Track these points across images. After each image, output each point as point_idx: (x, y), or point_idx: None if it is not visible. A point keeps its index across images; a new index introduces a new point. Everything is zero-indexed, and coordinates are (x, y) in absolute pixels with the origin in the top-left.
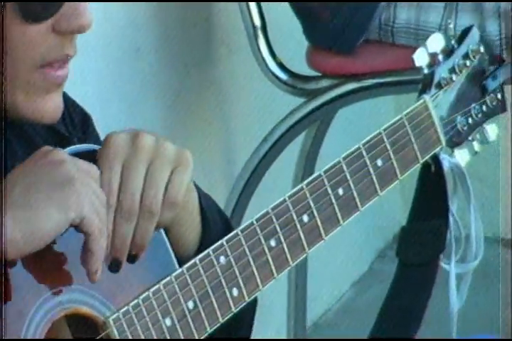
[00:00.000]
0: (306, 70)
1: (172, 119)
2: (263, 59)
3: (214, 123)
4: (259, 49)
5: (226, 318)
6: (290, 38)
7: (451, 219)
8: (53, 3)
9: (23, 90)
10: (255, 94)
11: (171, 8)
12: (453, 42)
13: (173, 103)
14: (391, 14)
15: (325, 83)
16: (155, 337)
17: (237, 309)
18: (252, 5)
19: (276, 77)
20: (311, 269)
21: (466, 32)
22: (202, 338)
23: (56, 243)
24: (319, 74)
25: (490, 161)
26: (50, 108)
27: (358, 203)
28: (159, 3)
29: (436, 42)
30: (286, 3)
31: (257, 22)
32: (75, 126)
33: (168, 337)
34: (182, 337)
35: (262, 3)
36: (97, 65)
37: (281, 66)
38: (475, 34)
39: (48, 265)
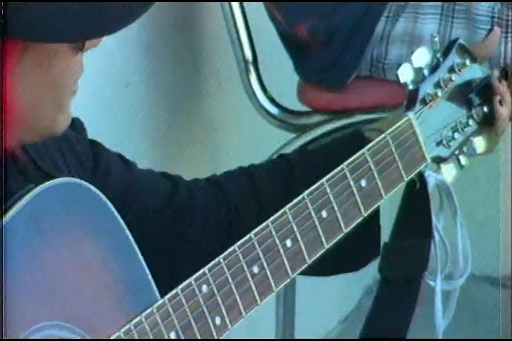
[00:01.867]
0: (297, 105)
1: (161, 154)
2: (254, 93)
3: (203, 158)
4: (250, 83)
5: None
6: (281, 72)
7: (436, 236)
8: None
9: (62, 110)
10: (245, 129)
11: (160, 42)
12: (438, 55)
13: (162, 137)
14: (383, 50)
15: (316, 118)
16: None
17: (220, 337)
18: (244, 38)
19: (267, 112)
20: (298, 305)
21: (451, 45)
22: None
23: (34, 279)
24: (310, 110)
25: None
26: (70, 116)
27: (342, 225)
28: (149, 37)
29: (421, 57)
30: (277, 38)
31: (249, 56)
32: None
33: None
34: None
35: (254, 37)
36: (85, 99)
37: (272, 101)
38: (460, 46)
39: (27, 301)
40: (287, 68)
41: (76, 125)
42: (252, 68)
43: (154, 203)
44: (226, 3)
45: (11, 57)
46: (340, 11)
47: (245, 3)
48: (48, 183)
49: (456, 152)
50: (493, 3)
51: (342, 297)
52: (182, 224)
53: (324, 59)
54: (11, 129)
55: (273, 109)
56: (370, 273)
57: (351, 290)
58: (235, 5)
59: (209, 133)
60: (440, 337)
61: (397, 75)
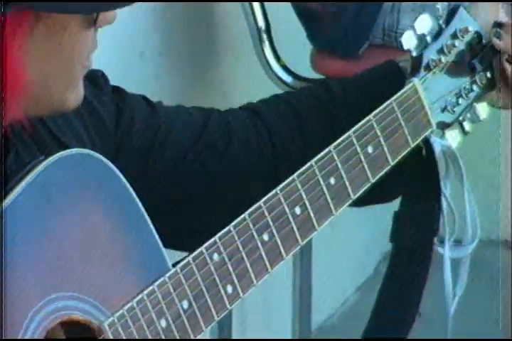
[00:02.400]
0: (311, 73)
1: None
2: (267, 62)
3: None
4: (263, 52)
5: (221, 316)
6: (294, 40)
7: (444, 202)
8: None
9: (74, 86)
10: (259, 97)
11: (174, 11)
12: (441, 22)
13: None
14: (394, 20)
15: None
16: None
17: (232, 306)
18: (257, 7)
19: (281, 80)
20: (315, 273)
21: (453, 11)
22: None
23: (46, 251)
24: (323, 77)
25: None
26: (82, 91)
27: (351, 192)
28: (163, 7)
29: (424, 24)
30: (290, 6)
31: (262, 24)
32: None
33: (164, 338)
34: (177, 337)
35: (266, 6)
36: (101, 68)
37: (286, 69)
38: (462, 13)
39: (40, 272)
40: (300, 36)
41: (97, 80)
42: (265, 37)
43: (186, 142)
44: None
45: (21, 29)
46: None
47: None
48: (57, 155)
49: (460, 118)
50: None
51: (359, 264)
52: (220, 158)
53: (336, 28)
54: (22, 101)
55: (286, 77)
56: (386, 240)
57: (368, 258)
58: None
59: (224, 101)
60: (453, 308)
61: (400, 42)
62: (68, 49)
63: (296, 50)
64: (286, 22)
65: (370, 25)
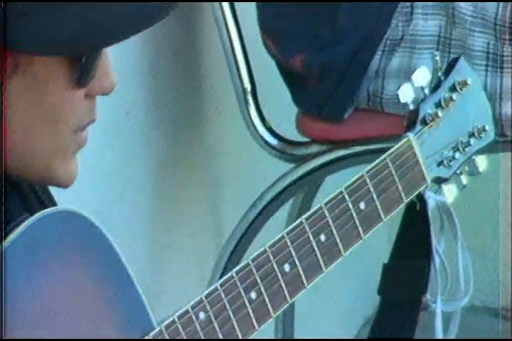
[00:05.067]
0: (296, 135)
1: (160, 181)
2: (252, 123)
3: (202, 187)
4: (248, 113)
5: None
6: (280, 102)
7: (437, 258)
8: (96, 65)
9: (61, 154)
10: (244, 158)
11: (160, 71)
12: (440, 74)
13: (162, 165)
14: (379, 85)
15: (314, 149)
16: None
17: None
18: (243, 68)
19: (266, 142)
20: (297, 336)
21: (453, 63)
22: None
23: (32, 306)
24: (308, 140)
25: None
26: (75, 170)
27: (341, 248)
28: (149, 69)
29: (422, 76)
30: (276, 68)
31: (247, 86)
32: None
33: None
34: None
35: (253, 67)
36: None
37: (271, 131)
38: (462, 64)
39: (25, 328)
40: (286, 98)
41: None
42: (250, 98)
43: None
44: (225, 33)
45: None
46: (334, 44)
47: (244, 33)
48: (42, 212)
49: (458, 172)
50: (486, 41)
51: (341, 327)
52: None
53: (320, 92)
54: (9, 157)
55: (271, 139)
56: (370, 304)
57: (350, 321)
58: (234, 35)
59: (208, 162)
60: None
61: (397, 95)
62: (51, 107)
63: (281, 112)
64: (273, 83)
65: (355, 89)
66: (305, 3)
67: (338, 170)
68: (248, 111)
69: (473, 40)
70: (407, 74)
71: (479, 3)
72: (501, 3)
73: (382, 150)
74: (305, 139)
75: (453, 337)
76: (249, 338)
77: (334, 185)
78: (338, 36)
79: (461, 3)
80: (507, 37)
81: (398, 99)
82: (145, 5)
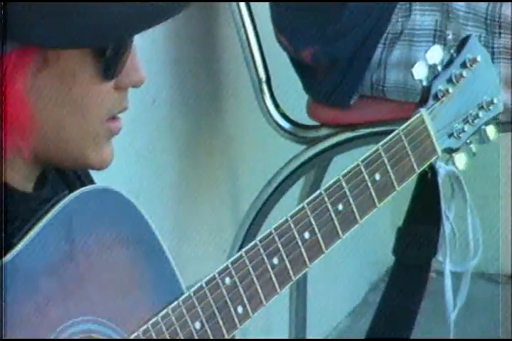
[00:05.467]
0: (307, 120)
1: (184, 165)
2: (267, 109)
3: (222, 167)
4: (264, 100)
5: (231, 335)
6: (292, 90)
7: (446, 223)
8: (123, 60)
9: (93, 141)
10: (260, 141)
11: (184, 63)
12: (452, 51)
13: (185, 150)
14: (381, 76)
15: (323, 132)
16: None
17: (242, 325)
18: (258, 60)
19: (279, 126)
20: (310, 300)
21: (464, 41)
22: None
23: (69, 277)
24: (318, 124)
25: None
26: (110, 155)
27: (358, 217)
28: (174, 60)
29: (435, 54)
30: (288, 60)
31: (262, 76)
32: None
33: None
34: None
35: (267, 59)
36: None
37: (284, 116)
38: (473, 42)
39: (64, 297)
40: (297, 87)
41: None
42: (265, 87)
43: None
44: (242, 29)
45: (25, 68)
46: (340, 39)
47: (259, 29)
48: (81, 189)
49: (468, 141)
50: (478, 34)
51: (349, 292)
52: None
53: (328, 81)
54: (31, 139)
55: (285, 124)
56: (375, 271)
57: (357, 287)
58: (250, 30)
59: (227, 144)
60: (452, 321)
61: (411, 72)
62: (80, 99)
63: (294, 98)
64: (286, 73)
65: (359, 78)
66: (313, 2)
67: (345, 151)
68: (263, 99)
69: (466, 34)
70: (406, 65)
71: (472, 1)
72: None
73: (385, 133)
74: (315, 123)
75: (463, 299)
76: (250, 338)
77: (341, 166)
78: (343, 31)
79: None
80: (496, 30)
81: (398, 88)
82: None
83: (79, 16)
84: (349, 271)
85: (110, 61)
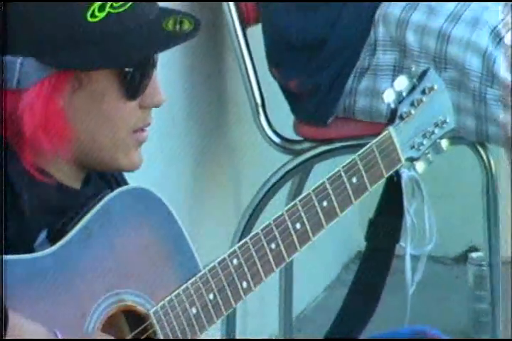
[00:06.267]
0: (293, 135)
1: (199, 172)
2: (262, 127)
3: (226, 173)
4: (259, 120)
5: (237, 304)
6: (282, 112)
7: (408, 216)
8: (144, 84)
9: (122, 149)
10: (256, 152)
11: (197, 89)
12: (415, 80)
13: (198, 159)
14: (352, 101)
15: (306, 145)
16: (184, 323)
17: (246, 297)
18: (255, 87)
19: (272, 140)
20: (295, 277)
21: (424, 73)
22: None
23: (110, 256)
24: (302, 139)
25: None
26: (139, 160)
27: (338, 211)
28: (191, 87)
29: (401, 83)
30: (278, 88)
31: (258, 101)
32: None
33: (195, 322)
34: (205, 322)
35: (262, 86)
36: None
37: (275, 132)
38: (431, 73)
39: (107, 272)
40: (286, 109)
41: None
42: (261, 110)
43: None
44: (243, 65)
45: (63, 89)
46: (320, 71)
47: (256, 63)
48: (120, 188)
49: (426, 151)
50: None
51: (325, 271)
52: None
53: (310, 105)
54: (71, 148)
55: (276, 139)
56: (346, 254)
57: (332, 267)
58: (249, 65)
59: (231, 155)
60: (410, 295)
61: (382, 97)
62: (110, 113)
63: (283, 119)
64: (277, 99)
65: (335, 103)
66: (298, 45)
67: (323, 160)
68: (259, 119)
69: (419, 68)
70: (372, 93)
71: (423, 43)
72: (439, 41)
73: (354, 146)
74: (299, 138)
75: (419, 277)
76: (251, 338)
77: (321, 172)
78: (323, 65)
79: (411, 42)
80: (443, 66)
81: (365, 111)
82: (171, 30)
83: (105, 43)
84: (326, 254)
85: (132, 84)
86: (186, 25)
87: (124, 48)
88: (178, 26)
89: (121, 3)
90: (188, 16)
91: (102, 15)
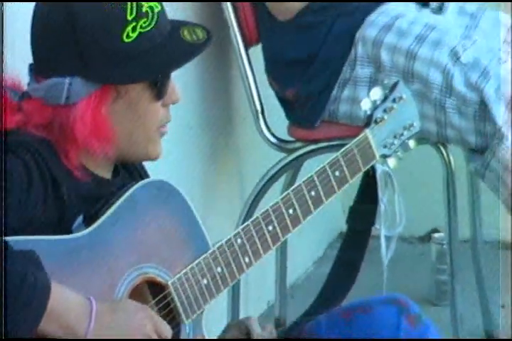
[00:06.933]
0: (287, 136)
1: (209, 167)
2: (261, 130)
3: (231, 169)
4: (259, 124)
5: (241, 276)
6: (278, 117)
7: (381, 204)
8: (168, 86)
9: (151, 142)
10: (257, 150)
11: (210, 100)
12: (386, 91)
13: (208, 158)
14: (336, 107)
15: (297, 144)
16: (197, 292)
17: (248, 270)
18: (255, 96)
19: (269, 141)
20: (289, 253)
21: (395, 85)
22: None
23: (135, 236)
24: (294, 139)
25: None
26: (161, 150)
27: (324, 199)
28: (203, 97)
29: (376, 93)
30: (275, 97)
31: (258, 108)
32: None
33: (205, 291)
34: (214, 291)
35: (262, 95)
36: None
37: (272, 134)
38: (400, 85)
39: (134, 249)
40: (281, 115)
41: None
42: (261, 116)
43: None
44: (245, 77)
45: (106, 99)
46: (313, 81)
47: (257, 76)
48: (144, 181)
49: (396, 150)
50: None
51: (313, 249)
52: None
53: (301, 111)
54: (113, 147)
55: (273, 139)
56: (331, 234)
57: (319, 245)
58: (250, 77)
59: (236, 153)
60: (385, 269)
61: (360, 105)
62: (143, 115)
63: (279, 123)
64: (274, 106)
65: (322, 109)
66: (292, 61)
67: (311, 157)
68: (259, 123)
69: (390, 81)
70: (353, 101)
71: (394, 60)
72: (407, 59)
73: (338, 145)
74: (292, 139)
75: (391, 254)
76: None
77: (310, 167)
78: (315, 73)
79: (384, 59)
80: (410, 79)
81: (346, 116)
82: (187, 44)
83: (140, 59)
84: (314, 234)
85: (160, 88)
86: (200, 35)
87: (157, 63)
88: (194, 36)
89: (147, 22)
90: (196, 26)
91: (135, 35)
